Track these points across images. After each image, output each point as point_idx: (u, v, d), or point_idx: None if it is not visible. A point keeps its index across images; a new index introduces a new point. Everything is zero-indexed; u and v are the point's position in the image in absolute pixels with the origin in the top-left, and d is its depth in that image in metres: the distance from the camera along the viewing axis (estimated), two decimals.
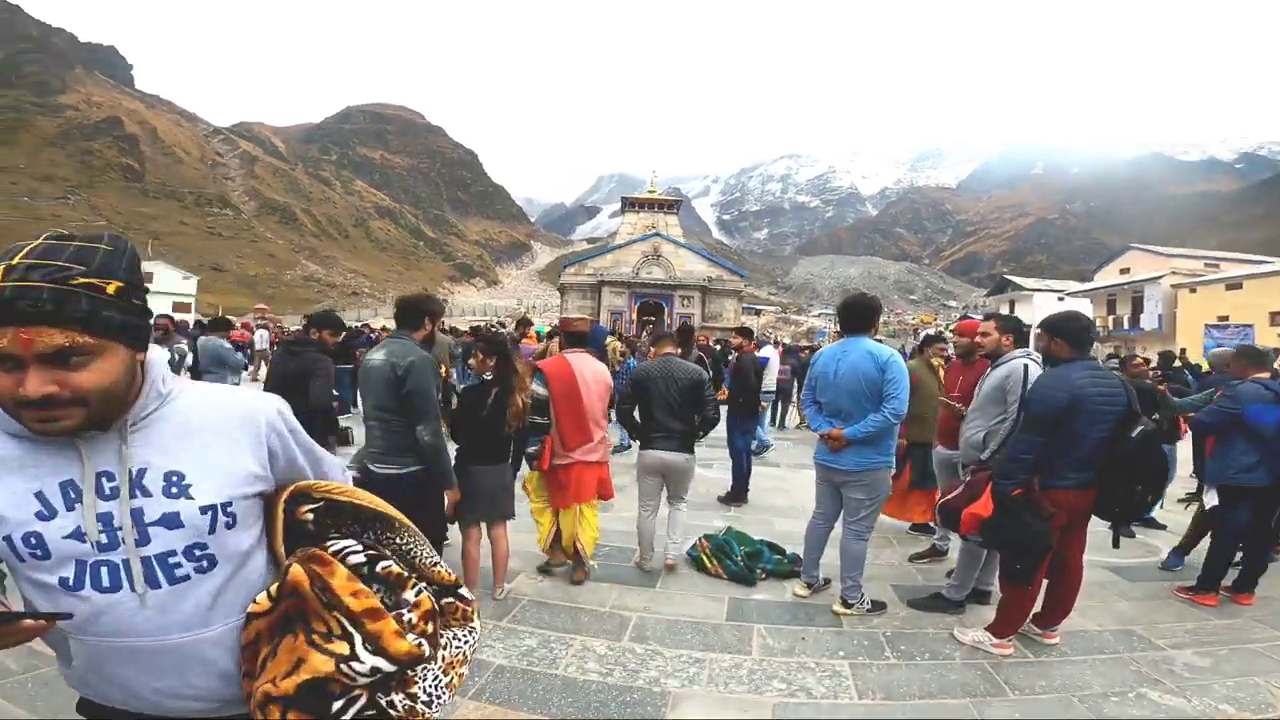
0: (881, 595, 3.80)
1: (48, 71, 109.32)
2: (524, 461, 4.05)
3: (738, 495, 6.08)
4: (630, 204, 41.48)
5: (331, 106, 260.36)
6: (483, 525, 3.55)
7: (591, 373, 3.90)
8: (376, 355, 3.08)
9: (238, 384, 6.63)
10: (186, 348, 7.27)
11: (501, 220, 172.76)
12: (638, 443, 4.29)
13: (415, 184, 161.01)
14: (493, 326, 14.67)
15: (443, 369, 5.62)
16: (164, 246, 79.45)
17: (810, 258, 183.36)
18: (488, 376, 3.50)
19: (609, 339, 10.75)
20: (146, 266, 46.98)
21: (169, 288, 45.00)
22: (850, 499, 3.58)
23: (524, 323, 11.41)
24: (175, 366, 6.99)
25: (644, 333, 19.62)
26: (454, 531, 3.57)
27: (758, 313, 67.09)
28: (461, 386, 4.03)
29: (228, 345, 6.82)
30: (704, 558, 4.19)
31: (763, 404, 8.04)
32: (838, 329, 3.93)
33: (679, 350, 4.54)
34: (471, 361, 3.68)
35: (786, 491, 6.63)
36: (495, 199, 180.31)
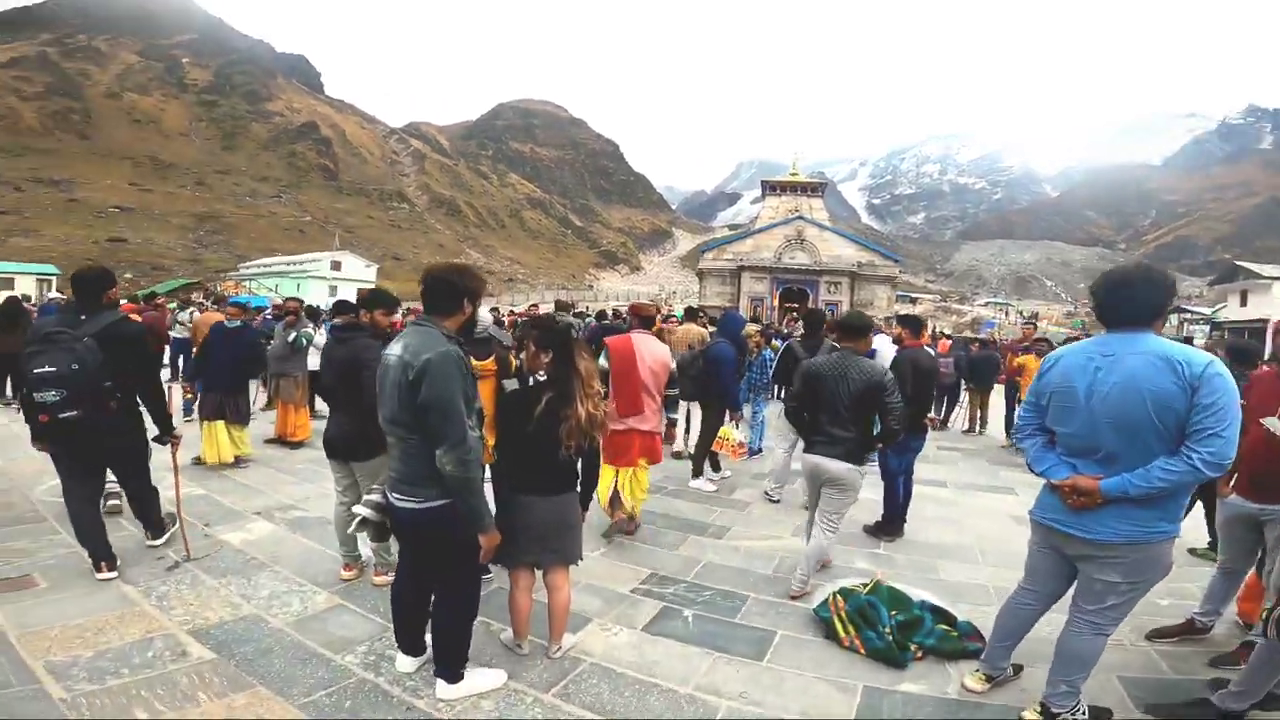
0: (1105, 697, 2.55)
1: (255, 81, 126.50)
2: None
3: (891, 527, 4.79)
4: (771, 187, 39.56)
5: (484, 104, 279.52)
6: (537, 569, 2.75)
7: (650, 353, 4.24)
8: (393, 350, 2.34)
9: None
10: (313, 331, 7.26)
11: (643, 208, 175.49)
12: (785, 445, 5.74)
13: (562, 175, 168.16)
14: (567, 311, 10.90)
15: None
16: (355, 239, 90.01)
17: (975, 242, 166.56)
18: (541, 377, 2.65)
19: (746, 326, 9.83)
20: (335, 256, 53.92)
21: (354, 275, 50.39)
22: (1096, 581, 2.28)
23: (601, 314, 10.84)
24: (302, 350, 7.06)
25: (785, 320, 18.31)
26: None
27: (914, 301, 61.78)
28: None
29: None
30: (837, 622, 3.08)
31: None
32: (1084, 319, 2.61)
33: (857, 343, 3.74)
34: (522, 355, 2.88)
35: (956, 524, 5.16)
36: (637, 187, 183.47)
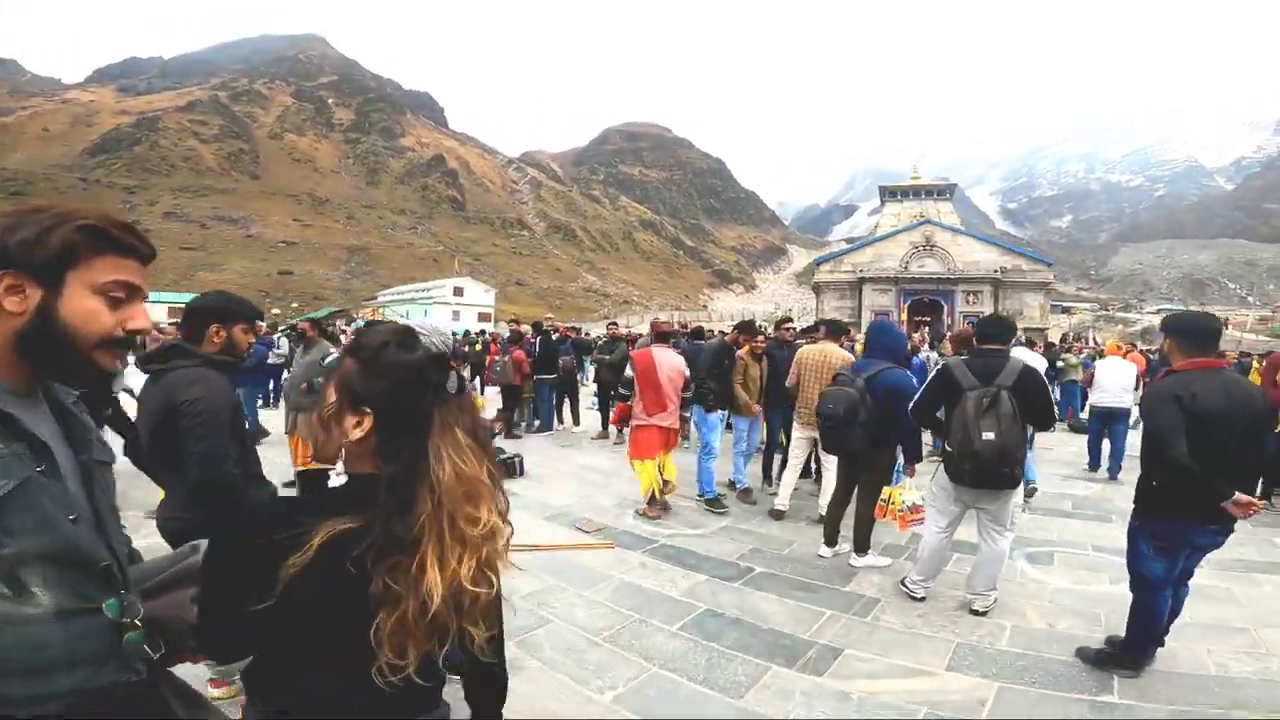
0: None
1: (389, 118, 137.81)
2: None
3: (1136, 654, 2.83)
4: (890, 193, 37.37)
5: (592, 130, 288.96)
6: None
7: (668, 363, 5.07)
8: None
9: None
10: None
11: (755, 225, 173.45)
12: None
13: (671, 196, 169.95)
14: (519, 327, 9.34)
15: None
16: (481, 265, 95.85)
17: (1135, 244, 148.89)
18: (336, 476, 1.18)
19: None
20: (457, 282, 57.88)
21: (475, 300, 53.73)
22: None
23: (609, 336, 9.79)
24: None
25: (917, 333, 16.95)
26: None
27: (1068, 310, 55.89)
28: None
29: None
30: None
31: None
32: None
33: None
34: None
35: (1242, 634, 3.19)
36: (747, 205, 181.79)
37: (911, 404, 3.58)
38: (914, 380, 4.21)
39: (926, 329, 19.68)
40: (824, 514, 4.38)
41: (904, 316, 30.87)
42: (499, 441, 7.47)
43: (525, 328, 9.30)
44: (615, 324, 10.22)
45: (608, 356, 8.49)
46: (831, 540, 4.18)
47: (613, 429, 8.13)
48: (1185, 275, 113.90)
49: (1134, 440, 8.69)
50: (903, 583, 3.64)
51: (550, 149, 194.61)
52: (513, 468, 6.03)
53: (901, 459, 4.23)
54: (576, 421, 9.10)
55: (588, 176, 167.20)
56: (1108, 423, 7.52)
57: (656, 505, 4.95)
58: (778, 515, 4.98)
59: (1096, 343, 24.87)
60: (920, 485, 4.10)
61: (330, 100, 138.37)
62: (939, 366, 3.80)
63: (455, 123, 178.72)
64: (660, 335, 5.43)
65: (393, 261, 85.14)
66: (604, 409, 8.70)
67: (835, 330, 5.59)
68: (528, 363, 8.24)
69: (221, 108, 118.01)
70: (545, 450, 7.51)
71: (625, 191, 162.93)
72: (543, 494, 5.50)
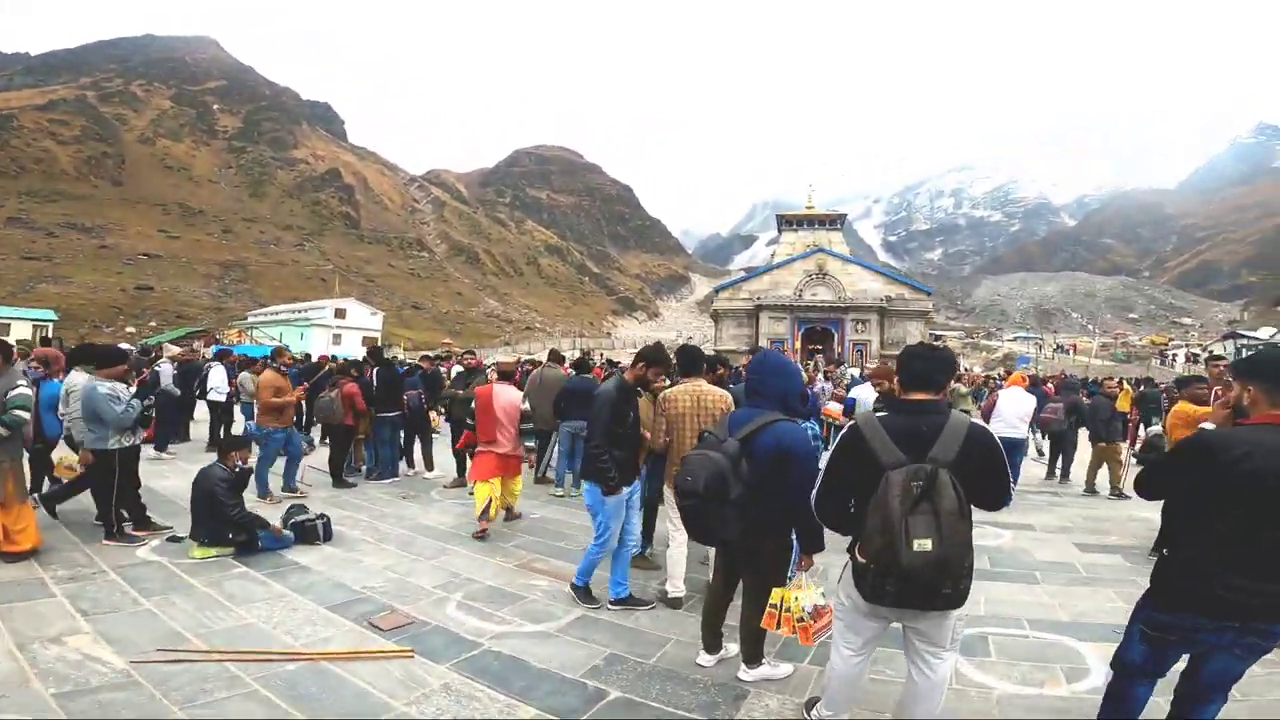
0: None
1: (281, 128, 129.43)
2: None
3: None
4: (787, 222, 38.69)
5: (501, 151, 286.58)
6: None
7: (505, 397, 5.70)
8: None
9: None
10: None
11: (660, 253, 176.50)
12: None
13: (578, 221, 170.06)
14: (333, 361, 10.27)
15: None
16: (375, 287, 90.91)
17: (995, 277, 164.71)
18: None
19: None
20: (339, 303, 53.92)
21: (359, 323, 50.12)
22: None
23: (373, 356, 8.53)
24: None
25: (811, 362, 16.80)
26: None
27: (940, 338, 60.30)
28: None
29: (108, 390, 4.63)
30: None
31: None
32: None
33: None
34: None
35: None
36: (653, 232, 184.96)
37: (813, 494, 2.44)
38: (810, 436, 3.17)
39: (820, 357, 20.01)
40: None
41: (798, 345, 31.65)
42: (306, 497, 6.28)
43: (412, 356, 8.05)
44: (472, 353, 9.22)
45: (460, 391, 7.44)
46: (712, 646, 3.17)
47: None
48: (1035, 305, 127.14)
49: (1028, 469, 8.96)
50: (807, 710, 2.70)
51: (456, 168, 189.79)
52: (312, 533, 4.88)
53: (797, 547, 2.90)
54: (429, 466, 7.95)
55: (494, 198, 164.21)
56: (1006, 453, 7.54)
57: (485, 519, 5.30)
58: (673, 603, 3.91)
59: (979, 372, 26.32)
60: (828, 578, 3.14)
61: (215, 106, 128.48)
62: (846, 428, 2.40)
63: (356, 137, 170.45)
64: (501, 374, 6.13)
65: (274, 280, 78.87)
66: (459, 453, 7.53)
67: (694, 363, 3.93)
68: (361, 398, 7.07)
69: (87, 108, 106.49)
70: (377, 505, 6.36)
71: (532, 215, 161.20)
72: (343, 569, 4.41)
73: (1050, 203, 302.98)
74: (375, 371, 7.36)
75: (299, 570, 4.37)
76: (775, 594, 2.79)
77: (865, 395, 6.57)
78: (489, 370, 8.08)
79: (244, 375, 9.12)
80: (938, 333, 70.03)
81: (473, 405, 5.96)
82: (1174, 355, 46.76)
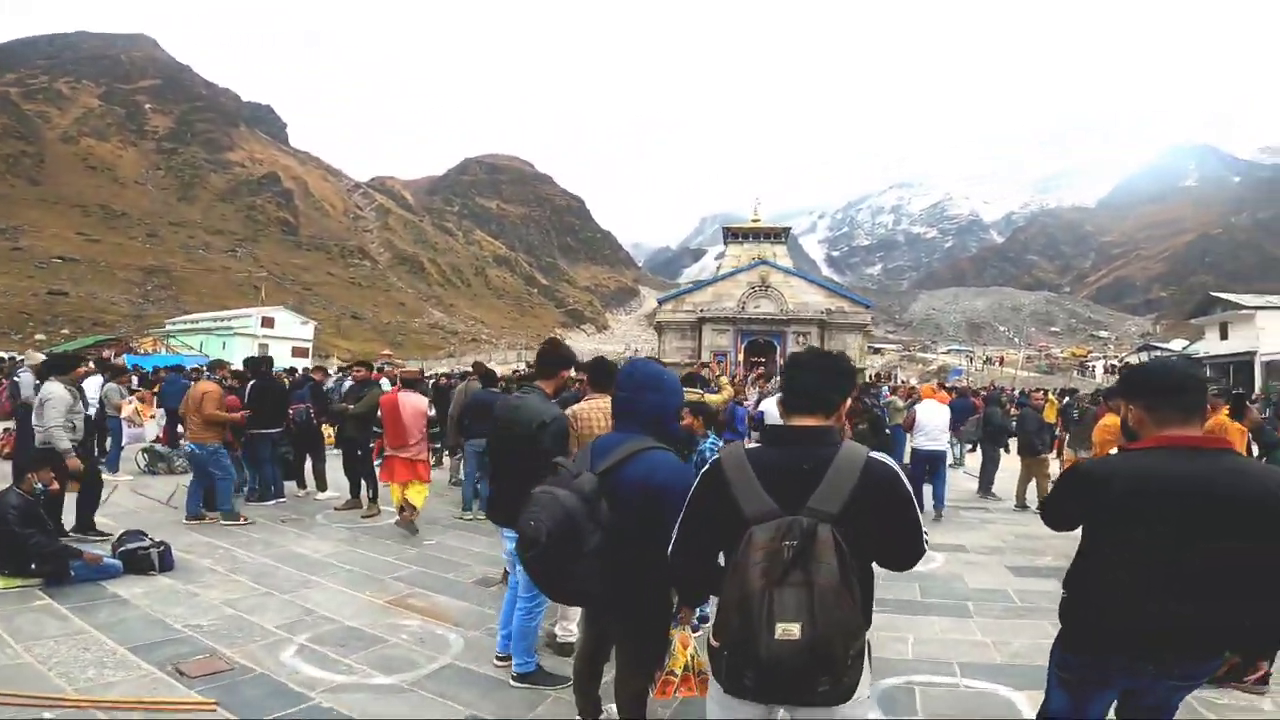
0: None
1: (217, 129, 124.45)
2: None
3: None
4: (732, 235, 39.11)
5: (451, 159, 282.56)
6: None
7: (410, 404, 6.09)
8: None
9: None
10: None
11: (610, 266, 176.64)
12: None
13: (528, 232, 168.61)
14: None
15: None
16: (312, 295, 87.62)
17: (930, 292, 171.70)
18: None
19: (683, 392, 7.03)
20: (266, 312, 51.17)
21: (289, 332, 47.78)
22: None
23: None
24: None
25: (753, 376, 16.51)
26: None
27: (878, 351, 62.09)
28: None
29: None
30: None
31: None
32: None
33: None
34: None
35: None
36: (603, 245, 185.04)
37: (670, 548, 1.83)
38: (679, 467, 2.27)
39: (760, 369, 19.92)
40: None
41: (741, 357, 31.82)
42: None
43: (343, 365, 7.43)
44: (364, 365, 8.61)
45: (351, 406, 6.87)
46: (587, 712, 2.55)
47: (365, 497, 6.67)
48: (967, 319, 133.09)
49: (953, 478, 8.75)
50: None
51: (404, 175, 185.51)
52: (144, 562, 4.30)
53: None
54: (321, 486, 7.33)
55: (441, 207, 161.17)
56: (930, 466, 7.44)
57: (407, 511, 5.84)
58: (561, 649, 3.40)
59: (905, 382, 26.89)
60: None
61: (147, 105, 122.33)
62: (709, 464, 1.80)
63: (299, 140, 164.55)
64: (407, 382, 6.42)
65: (201, 286, 75.04)
66: (351, 472, 6.89)
67: (605, 377, 3.42)
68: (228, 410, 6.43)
69: (8, 105, 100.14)
70: (247, 530, 5.74)
71: (481, 225, 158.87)
72: (170, 604, 3.87)
73: (981, 219, 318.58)
74: (251, 385, 6.70)
75: (116, 604, 3.85)
76: (674, 652, 2.23)
77: (775, 410, 5.48)
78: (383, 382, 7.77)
79: (110, 387, 8.22)
80: (876, 345, 72.25)
81: (378, 414, 6.31)
82: (1093, 367, 49.44)
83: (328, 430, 8.27)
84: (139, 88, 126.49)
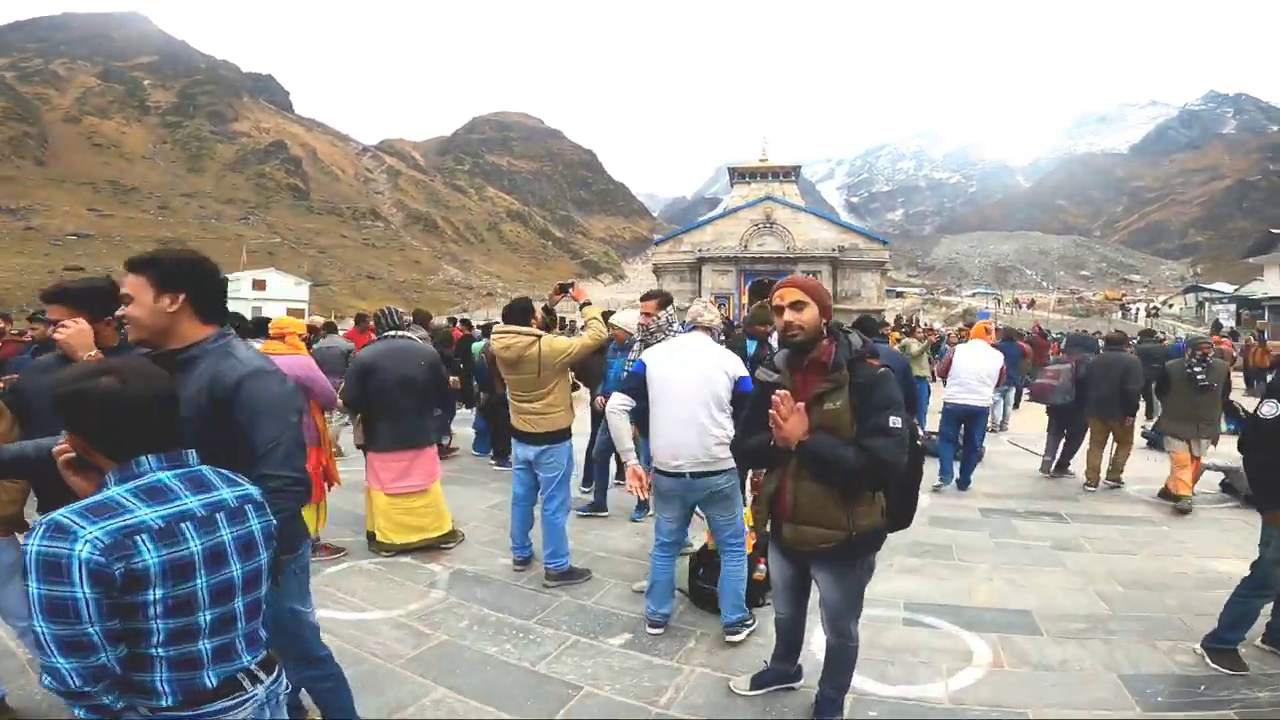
0: None
1: (220, 102, 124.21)
2: None
3: None
4: (739, 175, 36.73)
5: (460, 118, 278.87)
6: None
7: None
8: None
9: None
10: None
11: (625, 216, 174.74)
12: None
13: (540, 187, 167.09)
14: None
15: None
16: (326, 258, 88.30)
17: (954, 235, 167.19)
18: None
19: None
20: (257, 274, 50.65)
21: (282, 294, 47.39)
22: None
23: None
24: None
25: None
26: None
27: (900, 295, 60.81)
28: None
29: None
30: None
31: None
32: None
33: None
34: None
35: None
36: (617, 196, 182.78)
37: None
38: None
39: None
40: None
41: (745, 299, 30.29)
42: None
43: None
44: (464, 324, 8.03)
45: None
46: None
47: None
48: (992, 263, 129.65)
49: (1010, 461, 7.16)
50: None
51: (413, 137, 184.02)
52: None
53: None
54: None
55: (453, 166, 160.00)
56: (965, 424, 6.07)
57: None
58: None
59: (934, 328, 23.95)
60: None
61: (146, 82, 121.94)
62: None
63: (304, 108, 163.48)
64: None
65: (216, 254, 70.16)
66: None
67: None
68: None
69: (5, 89, 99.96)
70: None
71: (493, 182, 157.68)
72: None
73: (1007, 165, 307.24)
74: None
75: None
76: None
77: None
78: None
79: None
80: (898, 289, 70.69)
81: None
82: (1137, 309, 47.47)
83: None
84: (136, 65, 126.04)
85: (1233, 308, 36.13)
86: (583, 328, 4.10)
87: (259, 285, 46.99)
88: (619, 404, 3.06)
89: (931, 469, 5.90)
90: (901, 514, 2.35)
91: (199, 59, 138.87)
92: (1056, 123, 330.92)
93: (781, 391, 2.11)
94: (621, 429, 3.06)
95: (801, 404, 2.12)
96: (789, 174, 36.69)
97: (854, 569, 2.26)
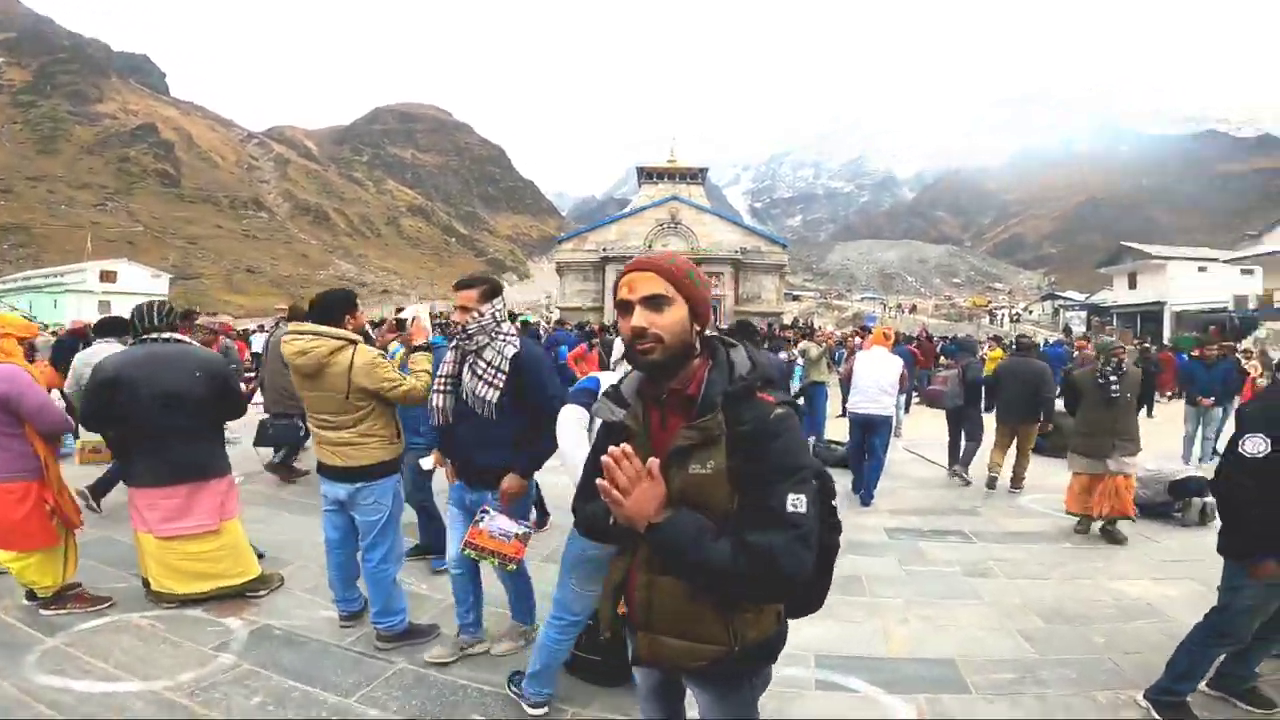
0: None
1: (83, 81, 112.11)
2: None
3: None
4: (647, 175, 37.12)
5: (360, 108, 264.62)
6: None
7: None
8: None
9: None
10: None
11: (532, 215, 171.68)
12: None
13: (446, 181, 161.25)
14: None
15: None
16: (197, 249, 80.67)
17: (845, 243, 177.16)
18: None
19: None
20: (106, 265, 45.82)
21: (135, 287, 42.52)
22: None
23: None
24: None
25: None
26: None
27: (797, 298, 63.06)
28: None
29: None
30: None
31: None
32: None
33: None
34: None
35: None
36: (525, 194, 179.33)
37: None
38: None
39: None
40: None
41: None
42: None
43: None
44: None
45: None
46: None
47: None
48: (879, 270, 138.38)
49: (894, 457, 6.99)
50: None
51: (306, 125, 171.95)
52: None
53: None
54: None
55: (350, 157, 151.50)
56: (866, 434, 5.79)
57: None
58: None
59: (831, 332, 25.19)
60: None
61: (1, 59, 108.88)
62: None
63: (184, 90, 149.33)
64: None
65: (65, 243, 67.59)
66: None
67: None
68: None
69: None
70: None
71: (394, 174, 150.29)
72: None
73: (895, 177, 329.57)
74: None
75: None
76: None
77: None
78: None
79: None
80: (796, 292, 73.55)
81: None
82: (1001, 315, 52.07)
83: None
84: None
85: (1084, 314, 40.03)
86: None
87: (108, 277, 41.88)
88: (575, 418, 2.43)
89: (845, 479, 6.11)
90: (812, 600, 1.56)
91: (63, 35, 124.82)
92: (940, 135, 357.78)
93: (619, 448, 1.30)
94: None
95: (655, 462, 1.30)
96: (696, 176, 37.25)
97: (740, 688, 1.50)
